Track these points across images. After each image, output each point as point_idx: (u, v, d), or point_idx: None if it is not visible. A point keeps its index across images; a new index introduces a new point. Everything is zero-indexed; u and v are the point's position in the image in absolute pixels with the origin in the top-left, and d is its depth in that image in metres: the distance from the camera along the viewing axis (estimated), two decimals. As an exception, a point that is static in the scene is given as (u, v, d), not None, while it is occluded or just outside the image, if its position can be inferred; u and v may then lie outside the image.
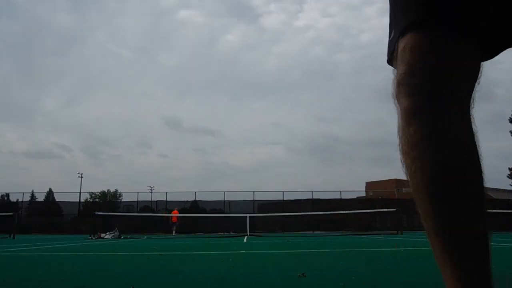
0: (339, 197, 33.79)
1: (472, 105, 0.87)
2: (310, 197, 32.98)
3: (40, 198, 41.15)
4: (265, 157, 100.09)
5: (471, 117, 0.86)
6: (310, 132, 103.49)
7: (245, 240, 12.70)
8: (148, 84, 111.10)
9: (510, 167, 48.25)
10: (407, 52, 0.86)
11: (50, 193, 42.82)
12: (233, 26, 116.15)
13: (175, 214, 25.24)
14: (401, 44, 0.88)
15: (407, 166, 0.85)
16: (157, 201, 33.86)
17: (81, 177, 52.08)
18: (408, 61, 0.86)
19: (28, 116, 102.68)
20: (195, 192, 34.20)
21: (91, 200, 42.80)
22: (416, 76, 0.84)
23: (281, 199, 32.18)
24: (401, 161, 0.86)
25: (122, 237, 18.10)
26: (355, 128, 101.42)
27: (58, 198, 39.55)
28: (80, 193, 38.33)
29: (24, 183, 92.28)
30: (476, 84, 0.88)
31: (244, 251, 6.88)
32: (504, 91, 77.53)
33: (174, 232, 23.96)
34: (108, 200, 45.08)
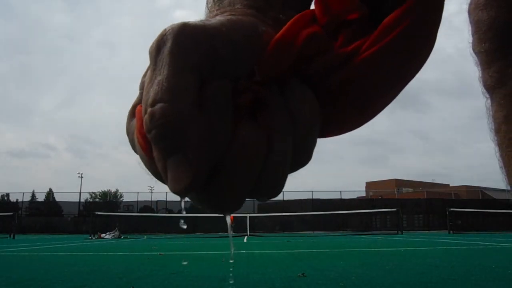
0: (339, 197, 33.81)
1: None
2: (310, 197, 32.97)
3: (40, 198, 41.21)
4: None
5: None
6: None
7: (245, 240, 12.70)
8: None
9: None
10: None
11: (50, 193, 42.85)
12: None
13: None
14: None
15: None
16: (157, 201, 33.87)
17: (81, 177, 52.18)
18: None
19: (24, 117, 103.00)
20: (196, 192, 34.35)
21: (91, 200, 42.81)
22: None
23: (281, 199, 32.15)
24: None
25: (122, 237, 18.12)
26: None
27: (58, 198, 39.65)
28: (80, 193, 38.40)
29: (22, 183, 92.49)
30: None
31: (244, 251, 6.87)
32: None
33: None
34: (108, 200, 45.06)
